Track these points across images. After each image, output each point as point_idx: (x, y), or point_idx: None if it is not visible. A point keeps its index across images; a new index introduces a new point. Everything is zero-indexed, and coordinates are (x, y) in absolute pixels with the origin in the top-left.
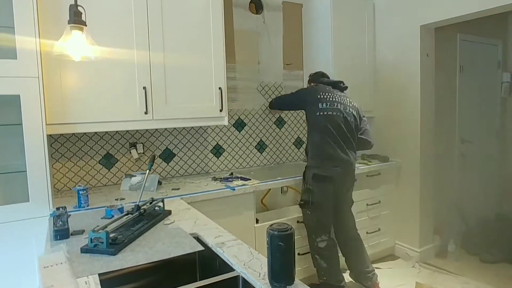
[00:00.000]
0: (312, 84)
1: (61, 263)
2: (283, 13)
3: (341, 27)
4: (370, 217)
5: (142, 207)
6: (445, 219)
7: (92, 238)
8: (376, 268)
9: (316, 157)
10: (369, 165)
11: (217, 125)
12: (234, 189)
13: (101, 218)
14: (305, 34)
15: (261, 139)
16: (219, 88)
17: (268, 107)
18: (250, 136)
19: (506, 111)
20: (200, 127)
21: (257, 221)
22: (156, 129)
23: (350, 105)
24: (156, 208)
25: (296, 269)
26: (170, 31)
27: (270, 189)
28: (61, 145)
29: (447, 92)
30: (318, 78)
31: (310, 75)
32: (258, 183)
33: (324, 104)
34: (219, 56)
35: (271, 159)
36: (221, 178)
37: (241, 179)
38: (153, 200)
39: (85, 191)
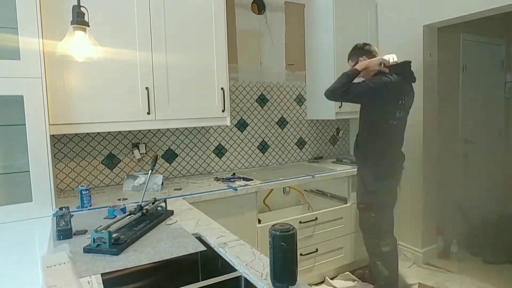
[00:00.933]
0: (393, 74)
1: (64, 263)
2: (285, 13)
3: (343, 27)
4: None
5: (145, 207)
6: (448, 219)
7: (95, 238)
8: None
9: (375, 163)
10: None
11: (219, 125)
12: (236, 190)
13: (104, 218)
14: (308, 34)
15: (263, 140)
16: (222, 88)
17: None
18: (253, 136)
19: (510, 111)
20: (203, 127)
21: (259, 221)
22: (159, 129)
23: (409, 103)
24: (159, 208)
25: (298, 269)
26: (172, 32)
27: (272, 190)
28: (64, 145)
29: (450, 92)
30: (400, 66)
31: (359, 54)
32: (261, 183)
33: (401, 112)
34: (221, 57)
35: (274, 159)
36: (223, 179)
37: (243, 180)
38: (155, 200)
39: (88, 191)
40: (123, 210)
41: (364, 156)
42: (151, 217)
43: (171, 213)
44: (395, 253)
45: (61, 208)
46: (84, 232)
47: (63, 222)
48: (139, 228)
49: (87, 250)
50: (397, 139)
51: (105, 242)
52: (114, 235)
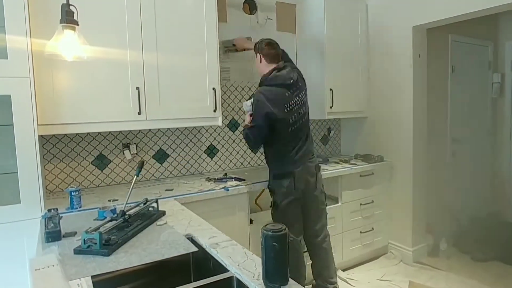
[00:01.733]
0: (265, 84)
1: (53, 265)
2: (276, 13)
3: (334, 27)
4: (363, 216)
5: (128, 213)
6: (437, 218)
7: (86, 239)
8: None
9: (278, 163)
10: (354, 165)
11: (211, 125)
12: (228, 190)
13: (94, 220)
14: (299, 34)
15: None
16: (213, 88)
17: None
18: None
19: (497, 111)
20: (194, 127)
21: (251, 222)
22: (150, 130)
23: (304, 98)
24: (150, 208)
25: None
26: (163, 31)
27: (264, 189)
28: (53, 146)
29: (439, 92)
30: (271, 75)
31: (262, 47)
32: (252, 183)
33: (292, 117)
34: (212, 57)
35: (265, 159)
36: (215, 179)
37: (235, 180)
38: (147, 200)
39: (77, 193)
40: (113, 211)
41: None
42: (142, 218)
43: (163, 213)
44: (296, 251)
45: (49, 210)
46: (74, 234)
47: (52, 224)
48: (130, 229)
49: (78, 251)
50: (299, 140)
51: (96, 243)
52: (105, 236)
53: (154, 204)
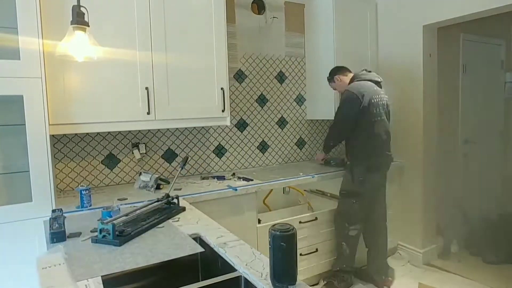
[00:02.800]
0: (356, 80)
1: (60, 264)
2: (285, 13)
3: (343, 27)
4: None
5: (146, 207)
6: (448, 219)
7: (101, 229)
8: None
9: (362, 157)
10: None
11: (219, 125)
12: (236, 190)
13: (98, 220)
14: (307, 34)
15: (263, 140)
16: (221, 88)
17: (324, 151)
18: (252, 136)
19: (510, 111)
20: (202, 127)
21: (259, 221)
22: (159, 130)
23: (387, 101)
24: (172, 204)
25: (298, 269)
26: (172, 32)
27: (272, 190)
28: (64, 145)
29: (450, 92)
30: (357, 73)
31: (335, 71)
32: (260, 183)
33: (376, 109)
34: (221, 56)
35: (273, 159)
36: (223, 177)
37: (243, 180)
38: (168, 196)
39: (88, 191)
40: (117, 212)
41: (348, 151)
42: (162, 212)
43: (183, 209)
44: (358, 238)
45: (54, 210)
46: (78, 234)
47: (57, 225)
48: (147, 222)
49: (94, 240)
50: (379, 136)
51: (110, 234)
52: (118, 228)
53: (175, 200)
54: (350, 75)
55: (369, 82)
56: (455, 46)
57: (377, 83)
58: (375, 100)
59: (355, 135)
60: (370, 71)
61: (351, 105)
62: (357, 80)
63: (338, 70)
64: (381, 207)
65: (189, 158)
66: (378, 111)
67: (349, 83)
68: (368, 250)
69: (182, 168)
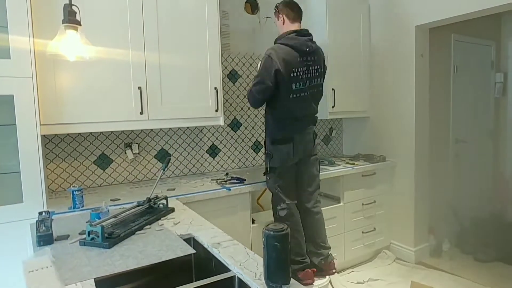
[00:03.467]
0: (279, 41)
1: (47, 267)
2: None
3: (336, 27)
4: (365, 216)
5: (134, 209)
6: (440, 218)
7: (90, 231)
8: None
9: (274, 129)
10: (355, 165)
11: (213, 125)
12: (230, 189)
13: (86, 222)
14: None
15: (256, 139)
16: (215, 88)
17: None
18: (246, 136)
19: (499, 111)
20: (196, 127)
21: (253, 221)
22: (152, 129)
23: (318, 71)
24: (161, 205)
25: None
26: (165, 31)
27: (265, 189)
28: (56, 146)
29: (441, 92)
30: (285, 33)
31: (283, 6)
32: (254, 183)
33: (298, 84)
34: (214, 56)
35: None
36: (217, 179)
37: (236, 179)
38: (157, 197)
39: (80, 192)
40: (106, 213)
41: (267, 126)
42: (152, 214)
43: (172, 210)
44: (294, 217)
45: (40, 213)
46: (66, 237)
47: (44, 227)
48: (136, 224)
49: (83, 243)
50: (300, 109)
51: (99, 236)
52: (107, 230)
53: (164, 201)
54: (291, 26)
55: (293, 52)
56: (447, 46)
57: (304, 53)
58: (295, 74)
59: (273, 106)
60: (305, 33)
61: (267, 69)
62: (281, 43)
63: (286, 6)
64: (310, 187)
65: (173, 160)
66: (298, 86)
67: (275, 40)
68: (307, 231)
69: (164, 170)
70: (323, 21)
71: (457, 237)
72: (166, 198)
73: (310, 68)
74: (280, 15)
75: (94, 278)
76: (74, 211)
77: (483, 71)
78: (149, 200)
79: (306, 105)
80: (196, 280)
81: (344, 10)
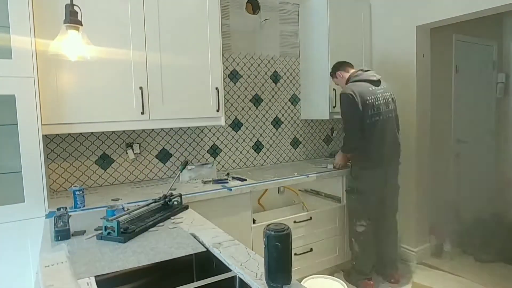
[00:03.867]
0: (351, 81)
1: (62, 262)
2: (280, 13)
3: (337, 27)
4: None
5: (149, 206)
6: (441, 218)
7: (106, 226)
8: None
9: (360, 154)
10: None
11: (214, 125)
12: (231, 190)
13: (101, 218)
14: (302, 34)
15: (257, 139)
16: (216, 88)
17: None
18: (247, 136)
19: (501, 111)
20: (197, 127)
21: (254, 221)
22: (153, 129)
23: (390, 98)
24: (175, 202)
25: (293, 269)
26: (166, 31)
27: (267, 189)
28: (57, 146)
29: (443, 92)
30: (352, 74)
31: (337, 67)
32: (255, 183)
33: (371, 110)
34: (216, 56)
35: (268, 159)
36: (218, 179)
37: (237, 180)
38: (171, 194)
39: (81, 192)
40: (121, 210)
41: (347, 147)
42: (166, 211)
43: (186, 207)
44: (368, 235)
45: (59, 209)
46: (83, 232)
47: (61, 223)
48: (151, 220)
49: (100, 237)
50: (379, 135)
51: (115, 231)
52: (123, 225)
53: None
54: (352, 71)
55: (364, 83)
56: (448, 46)
57: (373, 82)
58: (370, 101)
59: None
60: (366, 70)
61: (351, 105)
62: (352, 81)
63: (340, 66)
64: (390, 204)
65: (188, 162)
66: (374, 112)
67: (345, 84)
68: (378, 246)
69: (181, 172)
70: (325, 21)
71: (459, 237)
72: (180, 195)
73: (384, 94)
74: (337, 73)
75: (96, 277)
76: (76, 211)
77: (485, 71)
78: (164, 197)
79: (384, 131)
80: (197, 280)
81: (345, 9)
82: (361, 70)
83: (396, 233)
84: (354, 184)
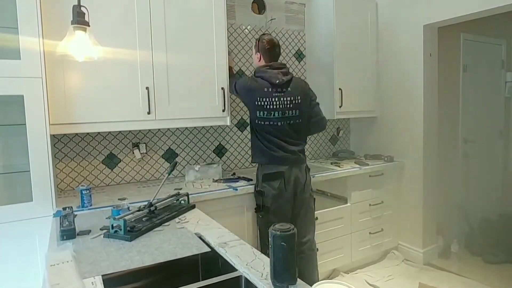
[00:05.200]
0: (256, 73)
1: (68, 261)
2: (285, 13)
3: (344, 26)
4: (372, 217)
5: (155, 204)
6: (448, 219)
7: (114, 225)
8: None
9: (261, 158)
10: (362, 166)
11: (220, 125)
12: (236, 189)
13: (106, 218)
14: (308, 33)
15: None
16: (222, 88)
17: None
18: None
19: (510, 111)
20: (203, 127)
21: None
22: (159, 129)
23: (292, 102)
24: (182, 202)
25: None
26: (172, 31)
27: None
28: (64, 145)
29: (451, 92)
30: (259, 67)
31: (260, 46)
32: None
33: (262, 112)
34: (221, 56)
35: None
36: (223, 179)
37: (243, 179)
38: (178, 193)
39: (88, 191)
40: (126, 210)
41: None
42: (172, 209)
43: (192, 206)
44: None
45: (64, 208)
46: (88, 232)
47: (67, 222)
48: (157, 219)
49: (107, 235)
50: (269, 140)
51: (121, 229)
52: (129, 224)
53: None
54: (266, 61)
55: (264, 82)
56: (456, 46)
57: (273, 85)
58: (259, 103)
59: (252, 134)
60: (277, 67)
61: (243, 91)
62: (257, 75)
63: (262, 47)
64: (301, 222)
65: (177, 164)
66: (263, 116)
67: (254, 73)
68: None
69: (169, 174)
70: (331, 20)
71: (466, 238)
72: (187, 195)
73: (284, 98)
74: (259, 52)
75: (102, 276)
76: (83, 210)
77: (493, 71)
78: (150, 204)
79: (286, 135)
80: (202, 280)
81: (351, 8)
82: (270, 66)
83: (314, 259)
84: (259, 200)
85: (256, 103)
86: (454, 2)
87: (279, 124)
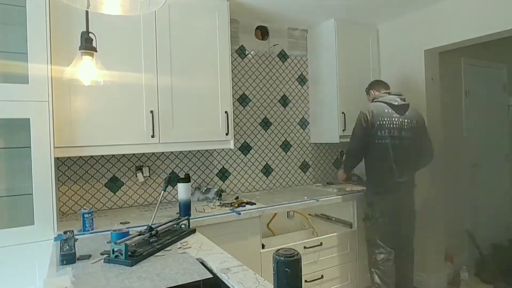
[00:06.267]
0: (374, 101)
1: (66, 287)
2: (288, 38)
3: (345, 52)
4: None
5: (156, 228)
6: (457, 245)
7: (114, 249)
8: None
9: (372, 179)
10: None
11: (223, 148)
12: (239, 214)
13: (107, 243)
14: (310, 58)
15: (267, 163)
16: (225, 112)
17: (344, 170)
18: (256, 159)
19: None
20: (206, 150)
21: (263, 246)
22: (162, 152)
23: (409, 126)
24: (182, 226)
25: None
26: (177, 56)
27: (276, 214)
28: (68, 168)
29: (454, 116)
30: (377, 95)
31: (372, 85)
32: (264, 207)
33: (383, 131)
34: (225, 81)
35: (277, 183)
36: (226, 203)
37: (247, 204)
38: (179, 218)
39: (90, 215)
40: (125, 234)
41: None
42: (173, 234)
43: (193, 231)
44: (388, 263)
45: (65, 232)
46: (88, 256)
47: (67, 247)
48: (158, 243)
49: (107, 260)
50: (389, 157)
51: (122, 254)
52: (130, 248)
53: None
54: (383, 91)
55: (383, 104)
56: (457, 70)
57: (393, 106)
58: (382, 122)
59: (367, 156)
60: (395, 94)
61: (360, 123)
62: (375, 101)
63: (375, 85)
64: (406, 231)
65: (171, 179)
66: (384, 134)
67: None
68: (396, 274)
69: (164, 190)
70: (333, 46)
71: (476, 265)
72: (188, 219)
73: (403, 120)
74: (371, 90)
75: None
76: (84, 233)
77: (495, 95)
78: (150, 229)
79: (400, 155)
80: None
81: (353, 34)
82: (388, 92)
83: (412, 262)
84: (368, 210)
85: (379, 123)
86: (454, 28)
87: (398, 142)
